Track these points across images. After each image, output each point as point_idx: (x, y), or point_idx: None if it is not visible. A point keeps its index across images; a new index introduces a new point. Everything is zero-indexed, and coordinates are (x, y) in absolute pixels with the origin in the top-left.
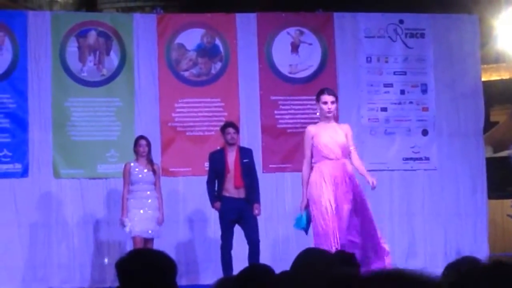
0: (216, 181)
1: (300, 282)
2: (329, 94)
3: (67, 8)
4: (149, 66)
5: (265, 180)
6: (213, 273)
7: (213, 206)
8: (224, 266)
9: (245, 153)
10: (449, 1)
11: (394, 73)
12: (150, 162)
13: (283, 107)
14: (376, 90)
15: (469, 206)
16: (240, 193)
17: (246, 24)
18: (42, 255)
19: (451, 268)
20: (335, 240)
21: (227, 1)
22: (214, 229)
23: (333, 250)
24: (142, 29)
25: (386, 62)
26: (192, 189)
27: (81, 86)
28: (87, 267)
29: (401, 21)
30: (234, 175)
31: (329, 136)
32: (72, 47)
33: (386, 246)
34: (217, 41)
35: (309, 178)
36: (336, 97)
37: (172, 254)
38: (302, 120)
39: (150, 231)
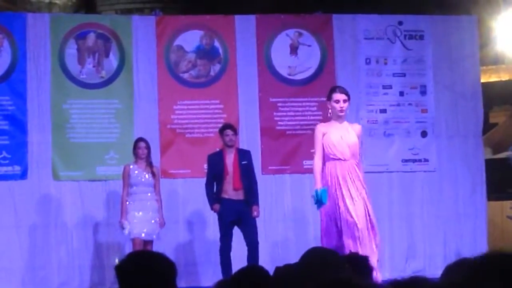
0: (215, 183)
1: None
2: (341, 92)
3: (66, 10)
4: (148, 68)
5: (264, 182)
6: (212, 275)
7: (212, 208)
8: (224, 268)
9: (244, 155)
10: (448, 2)
11: (393, 74)
12: (150, 164)
13: (282, 109)
14: (375, 91)
15: (469, 207)
16: (239, 195)
17: (245, 26)
18: (41, 257)
19: (450, 269)
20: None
21: (226, 3)
22: (213, 231)
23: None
24: (141, 31)
25: (385, 63)
26: (191, 191)
27: (80, 88)
28: (87, 269)
29: (400, 23)
30: (233, 177)
31: (340, 135)
32: (71, 49)
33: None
34: (216, 43)
35: (322, 170)
36: (348, 96)
37: (171, 256)
38: (301, 122)
39: (149, 233)
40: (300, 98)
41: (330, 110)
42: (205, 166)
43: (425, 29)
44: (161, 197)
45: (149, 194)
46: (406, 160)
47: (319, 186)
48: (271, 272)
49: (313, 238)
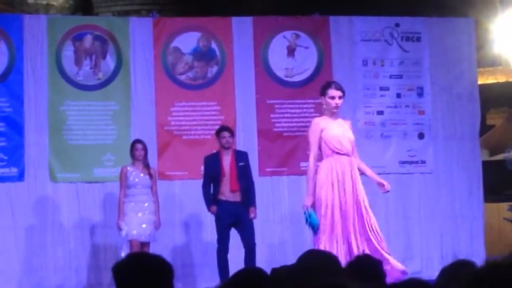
0: (212, 184)
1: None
2: (337, 88)
3: (63, 12)
4: (145, 69)
5: (261, 184)
6: (209, 276)
7: (209, 210)
8: (221, 270)
9: (241, 157)
10: (445, 4)
11: (390, 76)
12: (147, 166)
13: (279, 111)
14: (372, 93)
15: (466, 209)
16: (236, 197)
17: (242, 28)
18: (38, 259)
19: (447, 271)
20: (337, 246)
21: (223, 5)
22: (210, 233)
23: (336, 254)
24: (138, 33)
25: (382, 65)
26: (188, 193)
27: (77, 90)
28: (83, 271)
29: (397, 25)
30: (230, 178)
31: (340, 130)
32: (68, 51)
33: (387, 256)
34: (213, 45)
35: (315, 174)
36: (344, 92)
37: (168, 257)
38: (298, 124)
39: (146, 235)
40: (297, 100)
41: (324, 106)
42: (202, 168)
43: (422, 31)
44: (158, 198)
45: (146, 196)
46: (403, 162)
47: (308, 202)
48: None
49: (310, 240)
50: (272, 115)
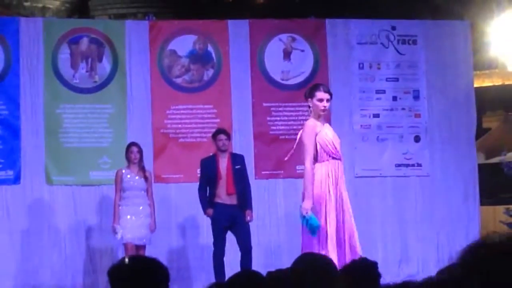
0: (208, 187)
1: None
2: (325, 91)
3: (59, 15)
4: (141, 72)
5: (257, 187)
6: (205, 279)
7: (205, 213)
8: (217, 273)
9: (237, 159)
10: (441, 7)
11: (386, 79)
12: (142, 168)
13: (275, 114)
14: (368, 96)
15: (462, 212)
16: (232, 200)
17: (238, 31)
18: (34, 262)
19: (443, 273)
20: (333, 246)
21: (219, 8)
22: (206, 236)
23: (332, 255)
24: (134, 36)
25: (379, 68)
26: (184, 196)
27: (73, 93)
28: (79, 274)
29: (393, 28)
30: (226, 181)
31: (332, 134)
32: (64, 54)
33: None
34: (209, 48)
35: (314, 177)
36: (331, 95)
37: (164, 260)
38: (294, 127)
39: (142, 238)
40: (293, 103)
41: (310, 108)
42: (198, 170)
43: (418, 34)
44: (153, 201)
45: (141, 199)
46: (399, 165)
47: (308, 205)
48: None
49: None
50: (268, 118)
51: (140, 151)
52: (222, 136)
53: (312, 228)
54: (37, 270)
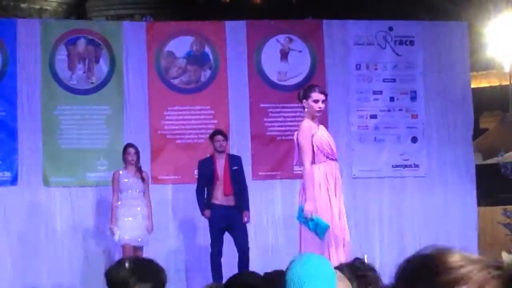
0: (206, 189)
1: None
2: (321, 92)
3: (56, 16)
4: (139, 74)
5: (254, 188)
6: (202, 281)
7: (203, 214)
8: (214, 274)
9: (234, 161)
10: (438, 8)
11: (384, 80)
12: (139, 170)
13: (272, 115)
14: (365, 97)
15: (459, 213)
16: (230, 201)
17: (235, 32)
18: (31, 263)
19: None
20: (331, 248)
21: (216, 9)
22: (204, 237)
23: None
24: (132, 37)
25: (376, 69)
26: (181, 197)
27: (71, 94)
28: (76, 275)
29: (391, 28)
30: (224, 182)
31: (327, 135)
32: (61, 55)
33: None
34: (207, 49)
35: (313, 178)
36: (326, 96)
37: (161, 262)
38: (291, 128)
39: (139, 239)
40: (291, 103)
41: (305, 109)
42: (196, 172)
43: (416, 35)
44: (150, 202)
45: (138, 200)
46: (397, 166)
47: (311, 207)
48: None
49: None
50: (265, 119)
51: (137, 152)
52: (219, 137)
53: (321, 230)
54: (34, 271)
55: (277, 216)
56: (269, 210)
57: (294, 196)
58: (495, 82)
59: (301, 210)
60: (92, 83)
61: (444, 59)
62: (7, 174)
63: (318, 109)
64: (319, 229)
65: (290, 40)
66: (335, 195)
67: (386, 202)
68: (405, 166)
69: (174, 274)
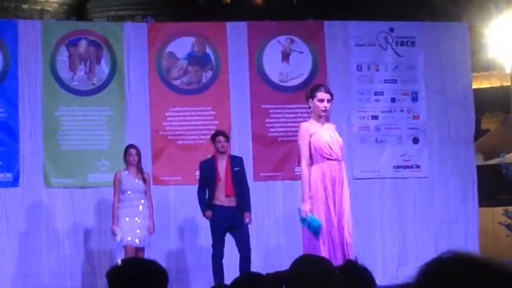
0: (207, 189)
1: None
2: (326, 91)
3: (57, 17)
4: (140, 75)
5: (256, 189)
6: (204, 282)
7: (204, 215)
8: (216, 275)
9: (236, 161)
10: (439, 9)
11: (385, 81)
12: (140, 171)
13: (274, 116)
14: (366, 98)
15: (460, 214)
16: (231, 202)
17: (236, 33)
18: (32, 264)
19: None
20: (328, 248)
21: (217, 10)
22: (205, 238)
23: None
24: (133, 38)
25: (377, 70)
26: (183, 198)
27: (72, 95)
28: (78, 276)
29: (392, 29)
30: (225, 183)
31: (329, 135)
32: (62, 56)
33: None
34: (208, 50)
35: (310, 178)
36: (332, 96)
37: (163, 263)
38: (293, 129)
39: (141, 240)
40: (292, 104)
41: (311, 109)
42: (197, 172)
43: (417, 36)
44: (152, 203)
45: (140, 201)
46: (398, 167)
47: (307, 207)
48: None
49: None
50: (266, 120)
51: (138, 153)
52: (221, 138)
53: (315, 228)
54: (36, 272)
55: (278, 216)
56: (270, 211)
57: (295, 197)
58: (496, 83)
59: (299, 211)
60: (93, 84)
61: (445, 60)
62: (8, 175)
63: (323, 108)
64: (312, 228)
65: (291, 41)
66: (333, 195)
67: (387, 203)
68: (406, 167)
69: (175, 275)
